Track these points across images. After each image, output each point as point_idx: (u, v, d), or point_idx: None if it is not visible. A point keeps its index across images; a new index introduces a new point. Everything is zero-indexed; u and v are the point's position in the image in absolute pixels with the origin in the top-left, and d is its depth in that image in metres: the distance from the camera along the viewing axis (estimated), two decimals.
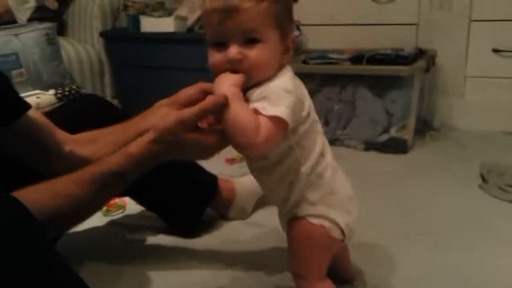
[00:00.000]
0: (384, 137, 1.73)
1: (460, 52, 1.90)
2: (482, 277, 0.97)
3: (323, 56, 1.77)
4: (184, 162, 1.12)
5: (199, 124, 0.75)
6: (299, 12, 2.11)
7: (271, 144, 0.69)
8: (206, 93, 0.77)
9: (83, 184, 0.70)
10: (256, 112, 0.67)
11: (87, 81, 2.27)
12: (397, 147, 1.71)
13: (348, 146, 1.79)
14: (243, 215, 1.26)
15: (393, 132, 1.72)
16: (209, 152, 0.75)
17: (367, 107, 1.72)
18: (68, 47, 2.20)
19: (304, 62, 1.79)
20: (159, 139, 0.71)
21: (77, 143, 0.89)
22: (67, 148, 0.88)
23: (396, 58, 1.65)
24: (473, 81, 1.91)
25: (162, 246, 1.14)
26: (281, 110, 0.66)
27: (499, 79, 1.87)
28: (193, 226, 1.18)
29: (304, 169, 0.75)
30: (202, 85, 0.80)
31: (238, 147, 0.68)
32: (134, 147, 0.73)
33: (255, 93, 0.70)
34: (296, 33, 2.05)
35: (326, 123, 1.80)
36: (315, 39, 2.15)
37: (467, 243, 1.10)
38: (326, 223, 0.75)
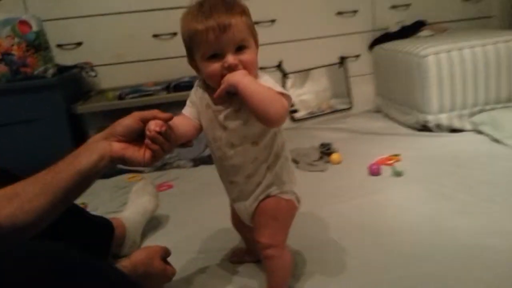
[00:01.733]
0: (208, 151, 1.95)
1: None
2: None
3: (137, 90, 1.87)
4: (74, 215, 1.05)
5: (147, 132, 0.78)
6: (88, 54, 2.14)
7: (287, 115, 0.82)
8: (144, 121, 0.79)
9: None
10: None
11: None
12: None
13: (178, 167, 1.94)
14: (135, 247, 1.24)
15: None
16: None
17: None
18: None
19: (120, 98, 1.85)
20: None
21: None
22: None
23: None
24: None
25: None
26: (282, 89, 0.83)
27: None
28: None
29: (284, 152, 0.92)
30: (138, 114, 0.80)
31: (270, 119, 0.79)
32: None
33: None
34: (93, 74, 2.07)
35: None
36: (106, 79, 2.22)
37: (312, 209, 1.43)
38: (293, 197, 0.95)
